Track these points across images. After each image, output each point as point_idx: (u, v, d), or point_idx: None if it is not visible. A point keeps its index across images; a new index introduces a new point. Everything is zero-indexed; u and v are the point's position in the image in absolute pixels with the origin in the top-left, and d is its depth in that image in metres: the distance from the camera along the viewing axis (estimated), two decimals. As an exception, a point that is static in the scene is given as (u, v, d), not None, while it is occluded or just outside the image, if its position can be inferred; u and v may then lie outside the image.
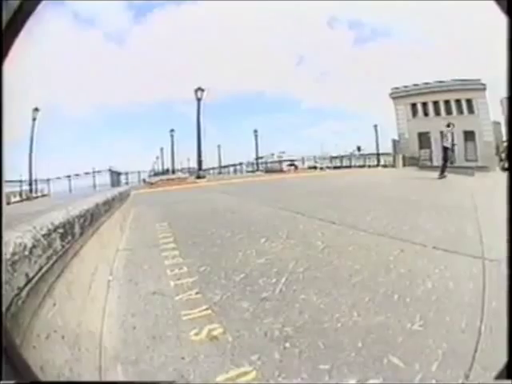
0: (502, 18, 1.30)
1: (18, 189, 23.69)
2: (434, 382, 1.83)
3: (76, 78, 57.02)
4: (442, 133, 16.75)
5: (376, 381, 1.86)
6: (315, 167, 36.69)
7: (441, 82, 35.15)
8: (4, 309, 1.23)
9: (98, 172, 30.65)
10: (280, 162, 38.91)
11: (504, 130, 31.33)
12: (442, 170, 15.10)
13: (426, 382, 1.83)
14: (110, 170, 30.51)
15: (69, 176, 29.94)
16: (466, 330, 2.29)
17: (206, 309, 2.77)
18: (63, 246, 2.03)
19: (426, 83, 36.11)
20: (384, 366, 1.98)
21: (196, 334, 2.39)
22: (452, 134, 16.20)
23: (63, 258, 2.03)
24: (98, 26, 73.85)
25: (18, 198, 21.95)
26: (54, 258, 1.84)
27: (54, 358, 1.59)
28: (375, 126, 36.96)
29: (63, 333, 1.78)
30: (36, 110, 27.98)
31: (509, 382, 1.19)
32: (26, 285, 1.42)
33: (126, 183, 31.29)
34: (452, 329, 2.32)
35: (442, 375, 1.86)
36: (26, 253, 1.47)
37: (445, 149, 15.76)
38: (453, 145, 16.12)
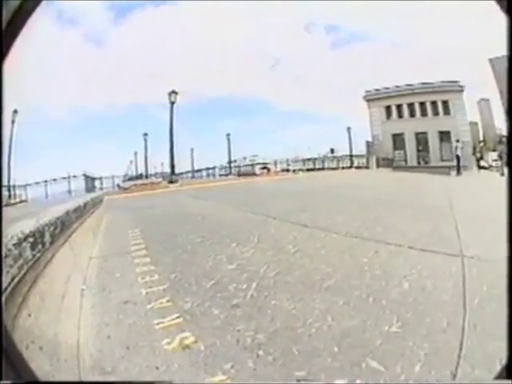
0: (502, 18, 1.32)
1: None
2: (423, 381, 1.83)
3: (51, 80, 55.79)
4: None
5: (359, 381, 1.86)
6: (288, 170, 36.85)
7: (416, 84, 35.69)
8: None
9: (74, 177, 30.13)
10: (253, 165, 38.77)
11: (480, 130, 32.34)
12: (458, 170, 21.93)
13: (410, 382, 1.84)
14: (84, 175, 30.06)
15: (45, 181, 29.41)
16: (447, 330, 2.30)
17: (178, 317, 2.73)
18: (34, 256, 2.00)
19: (401, 86, 36.62)
20: (363, 370, 1.97)
21: (168, 344, 2.36)
22: (461, 147, 24.39)
23: (35, 267, 2.00)
24: (77, 27, 72.53)
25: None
26: (26, 267, 1.81)
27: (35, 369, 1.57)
28: (348, 129, 37.41)
29: (41, 343, 1.75)
30: (15, 112, 26.85)
31: (509, 381, 1.21)
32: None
33: (101, 188, 30.93)
34: (433, 329, 2.33)
35: (427, 376, 1.86)
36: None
37: (457, 156, 23.11)
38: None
